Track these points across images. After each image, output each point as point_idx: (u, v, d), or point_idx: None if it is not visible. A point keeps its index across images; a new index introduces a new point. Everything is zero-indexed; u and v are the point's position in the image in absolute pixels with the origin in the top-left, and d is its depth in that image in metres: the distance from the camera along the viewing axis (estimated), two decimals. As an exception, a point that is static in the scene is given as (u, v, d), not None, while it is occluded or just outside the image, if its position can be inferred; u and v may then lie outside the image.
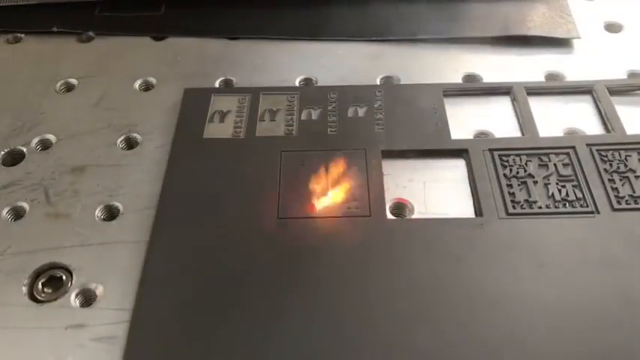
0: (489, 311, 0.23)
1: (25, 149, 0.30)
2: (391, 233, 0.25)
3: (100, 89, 0.33)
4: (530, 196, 0.26)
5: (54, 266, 0.25)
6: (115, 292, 0.24)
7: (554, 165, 0.27)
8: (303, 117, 0.30)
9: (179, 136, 0.30)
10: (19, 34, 0.37)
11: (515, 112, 0.31)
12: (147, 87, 0.33)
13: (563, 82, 0.32)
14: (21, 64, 0.35)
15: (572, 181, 0.27)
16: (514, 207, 0.26)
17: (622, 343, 0.22)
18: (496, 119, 0.30)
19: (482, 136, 0.30)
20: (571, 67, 0.33)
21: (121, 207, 0.27)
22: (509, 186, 0.27)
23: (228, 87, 0.33)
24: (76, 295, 0.24)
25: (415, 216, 0.26)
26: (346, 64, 0.34)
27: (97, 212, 0.27)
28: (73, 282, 0.24)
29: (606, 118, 0.30)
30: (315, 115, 0.30)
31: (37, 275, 0.25)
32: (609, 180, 0.27)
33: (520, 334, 0.22)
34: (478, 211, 0.26)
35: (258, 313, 0.23)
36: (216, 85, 0.33)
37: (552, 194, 0.26)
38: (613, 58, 0.34)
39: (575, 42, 0.35)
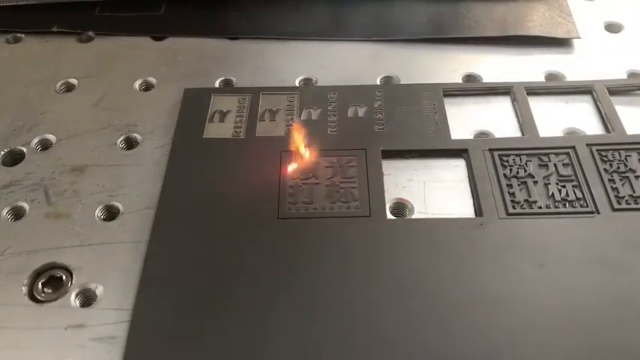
0: (489, 311, 0.23)
1: (25, 149, 0.30)
2: (391, 233, 0.25)
3: (100, 89, 0.33)
4: (530, 196, 0.26)
5: (54, 266, 0.25)
6: (115, 292, 0.24)
7: (554, 165, 0.27)
8: (303, 117, 0.30)
9: (179, 136, 0.30)
10: (19, 34, 0.37)
11: (515, 112, 0.31)
12: (147, 87, 0.33)
13: (563, 82, 0.32)
14: (21, 64, 0.35)
15: (572, 181, 0.27)
16: (514, 207, 0.26)
17: (622, 342, 0.22)
18: (496, 119, 0.30)
19: (482, 136, 0.30)
20: (571, 67, 0.33)
21: (121, 207, 0.27)
22: (509, 186, 0.27)
23: (228, 87, 0.33)
24: (76, 295, 0.24)
25: (415, 216, 0.26)
26: (346, 64, 0.34)
27: (97, 212, 0.27)
28: (73, 282, 0.24)
29: (606, 118, 0.30)
30: (315, 115, 0.30)
31: (37, 275, 0.25)
32: (609, 180, 0.27)
33: (520, 333, 0.22)
34: (478, 211, 0.26)
35: (258, 313, 0.23)
36: (216, 85, 0.33)
37: (552, 194, 0.26)
38: (613, 58, 0.34)
39: (575, 42, 0.35)
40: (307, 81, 0.33)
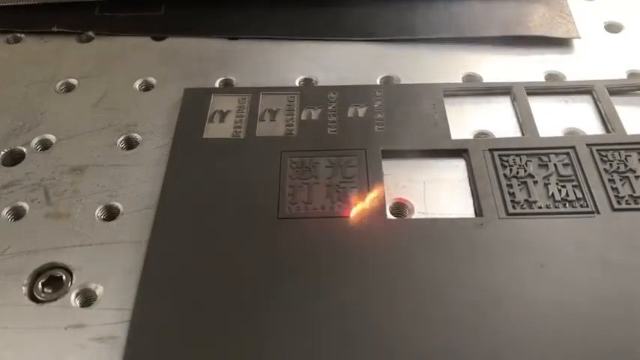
0: (489, 311, 0.23)
1: (25, 149, 0.30)
2: (391, 233, 0.25)
3: (100, 89, 0.33)
4: (530, 196, 0.26)
5: (54, 266, 0.25)
6: (115, 292, 0.24)
7: (554, 165, 0.27)
8: (303, 117, 0.30)
9: (179, 136, 0.30)
10: (19, 34, 0.37)
11: (515, 112, 0.31)
12: (147, 87, 0.33)
13: (563, 82, 0.32)
14: (21, 64, 0.35)
15: (572, 181, 0.27)
16: (514, 207, 0.26)
17: (622, 343, 0.22)
18: (496, 119, 0.30)
19: (482, 136, 0.30)
20: (571, 67, 0.33)
21: (121, 207, 0.27)
22: (509, 186, 0.27)
23: (228, 87, 0.33)
24: (76, 295, 0.24)
25: (415, 216, 0.26)
26: (346, 64, 0.34)
27: (97, 212, 0.27)
28: (73, 282, 0.24)
29: (606, 118, 0.30)
30: (315, 115, 0.30)
31: (37, 275, 0.25)
32: (609, 180, 0.27)
33: (520, 333, 0.22)
34: (478, 211, 0.26)
35: (257, 313, 0.23)
36: (216, 85, 0.33)
37: (552, 194, 0.26)
38: (613, 58, 0.34)
39: (575, 42, 0.35)
40: (307, 81, 0.33)
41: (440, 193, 0.27)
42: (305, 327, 0.23)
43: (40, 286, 0.24)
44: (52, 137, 0.30)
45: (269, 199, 0.27)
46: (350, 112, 0.30)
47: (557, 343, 0.22)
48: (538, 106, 0.31)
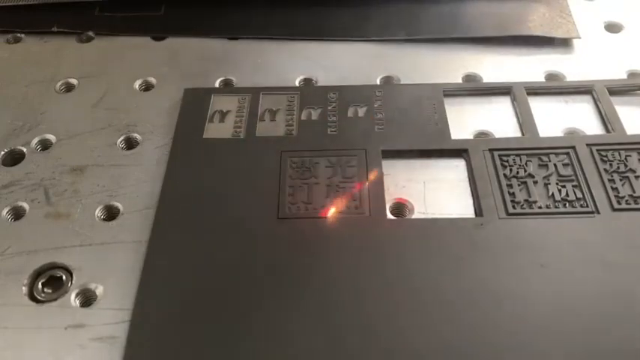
0: (489, 311, 0.23)
1: (25, 149, 0.30)
2: (391, 233, 0.25)
3: (100, 89, 0.33)
4: (530, 196, 0.26)
5: (54, 266, 0.25)
6: (115, 292, 0.24)
7: (554, 165, 0.27)
8: (303, 117, 0.30)
9: (179, 136, 0.30)
10: (19, 34, 0.37)
11: (515, 112, 0.31)
12: (147, 87, 0.33)
13: (563, 82, 0.32)
14: (21, 64, 0.35)
15: (572, 181, 0.27)
16: (514, 207, 0.26)
17: (622, 342, 0.22)
18: (496, 119, 0.30)
19: (482, 136, 0.30)
20: (571, 67, 0.33)
21: (121, 207, 0.27)
22: (509, 186, 0.27)
23: (228, 87, 0.33)
24: (76, 295, 0.24)
25: (415, 216, 0.26)
26: (346, 64, 0.34)
27: (97, 212, 0.27)
28: (73, 282, 0.24)
29: (606, 118, 0.30)
30: (315, 115, 0.30)
31: (37, 275, 0.25)
32: (609, 180, 0.27)
33: (520, 333, 0.22)
34: (478, 211, 0.26)
35: (257, 313, 0.23)
36: (216, 85, 0.33)
37: (552, 194, 0.26)
38: (613, 58, 0.34)
39: (575, 42, 0.35)
40: (307, 81, 0.33)
41: (440, 193, 0.27)
42: (304, 327, 0.23)
43: (40, 286, 0.24)
44: (52, 137, 0.30)
45: (269, 199, 0.27)
46: (350, 112, 0.30)
47: (557, 342, 0.22)
48: (538, 106, 0.31)
